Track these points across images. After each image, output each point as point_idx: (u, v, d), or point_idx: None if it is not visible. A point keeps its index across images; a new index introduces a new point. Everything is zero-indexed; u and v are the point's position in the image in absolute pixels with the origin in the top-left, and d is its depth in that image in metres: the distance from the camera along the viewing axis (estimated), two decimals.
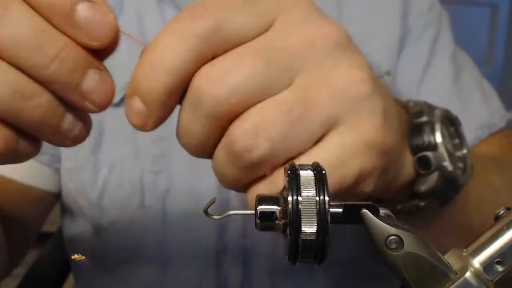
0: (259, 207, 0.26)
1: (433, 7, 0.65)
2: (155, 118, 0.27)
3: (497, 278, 0.23)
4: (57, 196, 0.63)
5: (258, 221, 0.26)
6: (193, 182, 0.56)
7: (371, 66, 0.58)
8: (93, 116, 0.59)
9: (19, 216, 0.60)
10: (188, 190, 0.56)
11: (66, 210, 0.64)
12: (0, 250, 0.56)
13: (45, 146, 0.58)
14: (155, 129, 0.28)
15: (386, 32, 0.62)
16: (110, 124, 0.57)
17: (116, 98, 0.57)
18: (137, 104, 0.27)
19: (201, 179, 0.56)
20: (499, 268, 0.23)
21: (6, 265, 0.58)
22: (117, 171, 0.57)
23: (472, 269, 0.23)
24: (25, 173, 0.58)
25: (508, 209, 0.25)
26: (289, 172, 0.25)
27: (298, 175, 0.25)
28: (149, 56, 0.27)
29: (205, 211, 0.26)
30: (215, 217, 0.27)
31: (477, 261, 0.23)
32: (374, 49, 0.59)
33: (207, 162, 0.56)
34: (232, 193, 0.56)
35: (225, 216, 0.27)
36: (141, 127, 0.27)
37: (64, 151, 0.59)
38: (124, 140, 0.57)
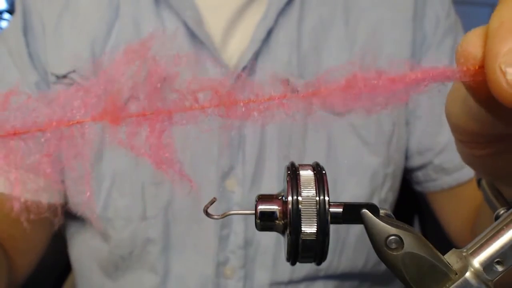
0: (259, 207, 0.25)
1: (450, 13, 0.63)
2: None
3: (497, 278, 0.23)
4: (61, 207, 0.63)
5: (258, 221, 0.26)
6: (194, 193, 0.56)
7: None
8: (93, 127, 0.59)
9: (24, 233, 0.60)
10: (189, 201, 0.56)
11: (73, 219, 0.64)
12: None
13: None
14: None
15: (396, 40, 0.60)
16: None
17: None
18: None
19: (202, 189, 0.56)
20: (499, 268, 0.23)
21: (6, 283, 0.58)
22: (118, 183, 0.57)
23: (472, 269, 0.23)
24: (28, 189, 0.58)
25: (508, 209, 0.25)
26: (289, 172, 0.25)
27: (298, 175, 0.25)
28: None
29: (205, 211, 0.26)
30: (215, 216, 0.26)
31: (477, 261, 0.23)
32: (382, 57, 0.58)
33: (208, 171, 0.56)
34: (233, 202, 0.56)
35: (225, 216, 0.27)
36: None
37: (67, 163, 0.58)
38: (124, 151, 0.56)
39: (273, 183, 0.56)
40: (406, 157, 0.62)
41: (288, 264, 0.26)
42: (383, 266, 0.62)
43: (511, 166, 0.29)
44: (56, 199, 0.61)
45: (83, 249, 0.64)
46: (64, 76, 0.57)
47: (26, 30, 0.59)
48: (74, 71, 0.57)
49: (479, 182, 0.35)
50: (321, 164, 0.26)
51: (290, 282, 0.57)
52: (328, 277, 0.58)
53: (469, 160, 0.31)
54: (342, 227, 0.58)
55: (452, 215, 0.62)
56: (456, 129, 0.28)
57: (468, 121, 0.26)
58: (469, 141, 0.28)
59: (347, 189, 0.57)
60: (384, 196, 0.59)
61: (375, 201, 0.58)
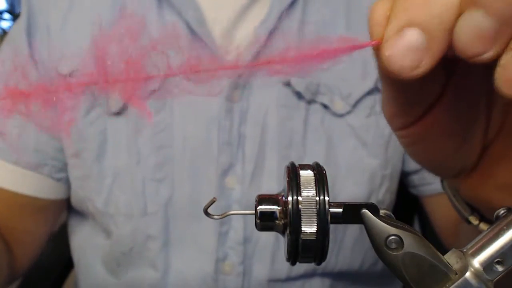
0: (259, 207, 0.26)
1: None
2: (436, 53, 0.22)
3: (497, 278, 0.23)
4: (64, 202, 0.64)
5: (258, 221, 0.26)
6: (194, 189, 0.56)
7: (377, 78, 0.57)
8: (95, 125, 0.60)
9: (26, 226, 0.62)
10: (189, 198, 0.56)
11: (76, 214, 0.65)
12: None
13: (45, 158, 0.60)
14: None
15: None
16: (112, 132, 0.57)
17: (116, 107, 0.58)
18: (412, 37, 0.22)
19: (202, 186, 0.56)
20: (499, 268, 0.23)
21: (7, 274, 0.59)
22: (120, 179, 0.57)
23: (472, 269, 0.23)
24: (30, 185, 0.60)
25: (508, 209, 0.25)
26: (289, 172, 0.25)
27: (298, 175, 0.25)
28: None
29: (205, 211, 0.26)
30: (215, 216, 0.27)
31: (477, 261, 0.23)
32: None
33: (208, 168, 0.57)
34: (233, 199, 0.56)
35: (225, 216, 0.27)
36: (412, 70, 0.22)
37: (71, 160, 0.59)
38: (125, 148, 0.57)
39: (273, 181, 0.56)
40: (403, 161, 0.62)
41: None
42: (380, 265, 0.62)
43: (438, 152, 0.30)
44: (59, 195, 0.62)
45: (86, 246, 0.64)
46: (69, 75, 0.58)
47: (29, 31, 0.60)
48: (77, 69, 0.57)
49: (442, 182, 0.36)
50: (320, 164, 0.26)
51: (288, 279, 0.58)
52: (325, 274, 0.59)
53: (404, 143, 0.32)
54: (339, 225, 0.58)
55: (446, 219, 0.62)
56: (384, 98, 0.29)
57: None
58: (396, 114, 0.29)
59: (345, 189, 0.57)
60: (382, 197, 0.60)
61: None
